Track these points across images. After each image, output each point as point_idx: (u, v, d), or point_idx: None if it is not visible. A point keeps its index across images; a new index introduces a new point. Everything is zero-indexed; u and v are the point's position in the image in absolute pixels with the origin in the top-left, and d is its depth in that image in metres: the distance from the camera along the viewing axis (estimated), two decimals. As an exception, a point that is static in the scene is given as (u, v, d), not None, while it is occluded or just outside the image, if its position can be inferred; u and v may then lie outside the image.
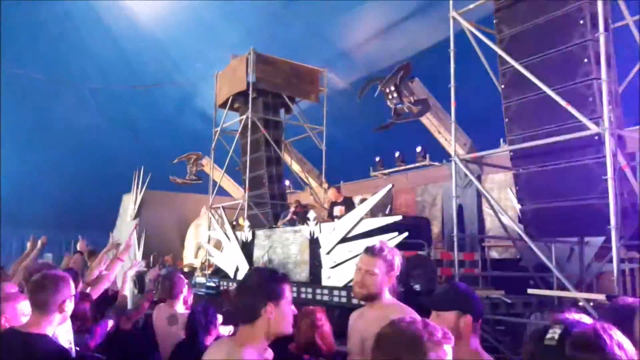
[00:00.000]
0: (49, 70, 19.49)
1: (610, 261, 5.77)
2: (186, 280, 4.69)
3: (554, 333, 1.30)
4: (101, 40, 19.26)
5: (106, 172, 20.72)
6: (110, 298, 5.42)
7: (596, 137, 5.40)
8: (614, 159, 5.02)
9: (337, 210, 8.45)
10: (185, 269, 13.69)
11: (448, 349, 1.47)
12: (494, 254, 9.82)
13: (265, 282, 2.16)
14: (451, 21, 7.01)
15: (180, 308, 4.32)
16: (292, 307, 2.21)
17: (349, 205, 8.65)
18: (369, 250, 2.80)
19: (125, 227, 18.20)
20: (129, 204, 18.27)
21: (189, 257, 15.40)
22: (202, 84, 18.02)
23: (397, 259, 2.82)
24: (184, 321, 3.99)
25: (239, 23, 17.23)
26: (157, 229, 16.78)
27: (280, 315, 2.13)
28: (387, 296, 2.74)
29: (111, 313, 4.65)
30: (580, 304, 6.57)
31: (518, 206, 7.09)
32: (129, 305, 5.82)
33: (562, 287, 6.11)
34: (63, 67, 19.78)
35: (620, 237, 5.06)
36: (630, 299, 2.22)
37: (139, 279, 12.43)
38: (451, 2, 7.01)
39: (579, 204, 5.69)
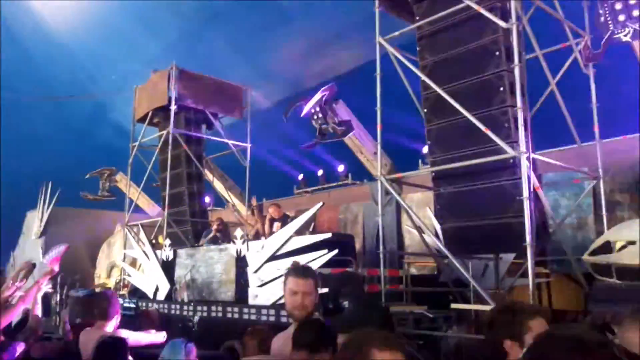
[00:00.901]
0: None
1: (522, 276, 6.19)
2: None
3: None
4: (7, 47, 18.10)
5: (7, 187, 19.39)
6: (20, 320, 5.04)
7: (511, 160, 5.81)
8: (528, 181, 5.42)
9: (275, 226, 8.43)
10: (98, 289, 13.04)
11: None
12: (413, 270, 10.17)
13: (328, 332, 2.53)
14: (377, 47, 7.27)
15: (111, 330, 4.10)
16: None
17: (286, 222, 8.61)
18: (300, 273, 2.91)
19: (30, 245, 17.08)
20: (34, 221, 17.19)
21: (102, 277, 14.68)
22: (117, 97, 17.42)
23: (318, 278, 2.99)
24: None
25: (158, 37, 16.88)
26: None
27: None
28: (315, 314, 2.87)
29: (21, 337, 4.35)
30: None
31: (436, 224, 7.43)
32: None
33: (479, 301, 6.47)
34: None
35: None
36: None
37: (44, 301, 11.68)
38: (377, 28, 7.29)
39: (496, 222, 6.06)
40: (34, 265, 5.53)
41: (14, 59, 18.77)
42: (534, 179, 5.53)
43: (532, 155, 5.70)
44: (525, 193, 5.34)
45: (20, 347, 4.07)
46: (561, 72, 6.74)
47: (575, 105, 7.03)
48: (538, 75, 6.91)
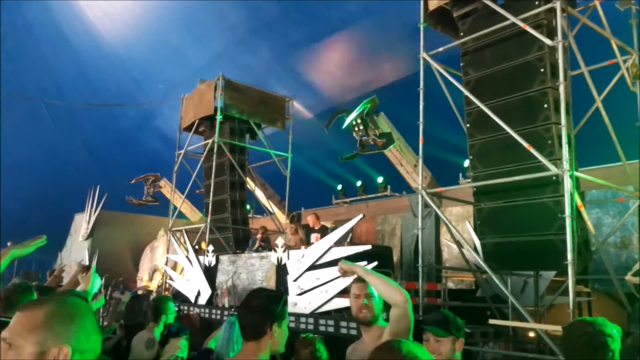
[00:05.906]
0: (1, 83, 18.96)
1: (562, 294, 6.14)
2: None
3: None
4: (62, 56, 18.95)
5: (57, 190, 20.16)
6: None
7: (554, 178, 5.79)
8: (571, 199, 5.40)
9: (314, 237, 8.54)
10: (140, 292, 13.42)
11: None
12: (450, 285, 10.15)
13: (272, 304, 2.35)
14: (421, 62, 7.34)
15: (157, 333, 4.24)
16: None
17: (324, 233, 8.71)
18: (361, 279, 2.95)
19: (76, 247, 17.74)
20: (82, 223, 17.86)
21: (144, 280, 15.10)
22: (163, 105, 17.96)
23: None
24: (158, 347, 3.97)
25: (205, 47, 17.36)
26: (110, 250, 16.42)
27: (281, 335, 2.33)
28: (381, 320, 2.89)
29: None
30: (532, 335, 6.94)
31: (475, 238, 7.43)
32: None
33: (517, 318, 6.44)
34: (17, 80, 19.31)
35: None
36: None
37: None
38: (422, 44, 7.37)
39: (537, 239, 6.04)
40: (86, 267, 5.81)
41: (69, 68, 19.61)
42: (576, 197, 5.51)
43: (576, 174, 5.67)
44: (568, 211, 5.32)
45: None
46: (607, 90, 6.68)
47: (623, 122, 6.95)
48: (584, 91, 6.86)
